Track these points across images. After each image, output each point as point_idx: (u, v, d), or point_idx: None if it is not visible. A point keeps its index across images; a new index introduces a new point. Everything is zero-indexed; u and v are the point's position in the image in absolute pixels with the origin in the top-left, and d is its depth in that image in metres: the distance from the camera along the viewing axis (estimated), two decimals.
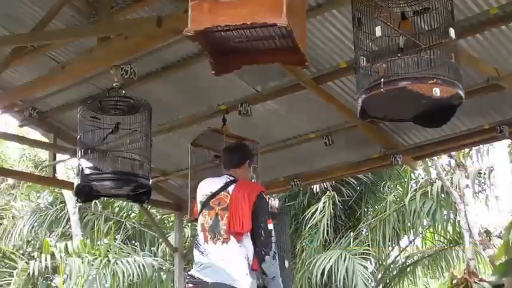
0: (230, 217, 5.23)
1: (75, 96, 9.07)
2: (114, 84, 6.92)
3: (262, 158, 8.08)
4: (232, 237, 5.21)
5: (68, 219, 19.01)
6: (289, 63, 5.14)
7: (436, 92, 4.45)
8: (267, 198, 5.49)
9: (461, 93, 4.61)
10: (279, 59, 5.04)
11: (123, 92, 6.96)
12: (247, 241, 5.24)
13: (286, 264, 7.06)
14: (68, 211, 18.88)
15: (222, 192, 5.38)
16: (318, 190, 16.71)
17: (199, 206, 5.50)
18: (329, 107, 8.55)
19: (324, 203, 16.33)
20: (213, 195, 5.39)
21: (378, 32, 4.66)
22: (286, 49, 4.79)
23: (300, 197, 17.05)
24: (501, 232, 13.37)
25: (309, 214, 16.45)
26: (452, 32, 4.62)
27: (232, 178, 5.48)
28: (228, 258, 5.18)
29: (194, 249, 5.43)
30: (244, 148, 5.94)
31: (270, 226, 5.24)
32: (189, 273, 5.38)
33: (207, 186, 5.51)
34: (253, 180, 6.53)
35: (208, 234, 5.29)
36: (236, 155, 5.69)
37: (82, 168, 6.79)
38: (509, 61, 7.56)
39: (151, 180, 7.06)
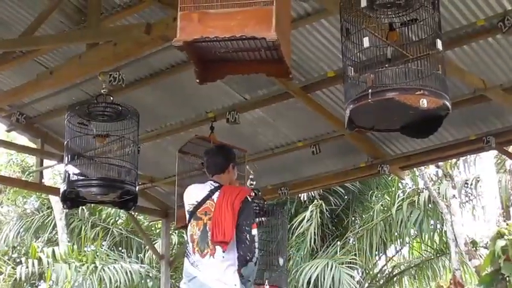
0: (213, 226, 5.15)
1: (63, 101, 9.07)
2: (102, 91, 6.90)
3: (250, 165, 8.09)
4: (218, 248, 5.14)
5: (55, 225, 18.95)
6: (273, 74, 5.14)
7: (423, 103, 4.46)
8: (252, 202, 5.43)
9: (448, 104, 4.63)
10: (264, 70, 5.06)
11: (111, 98, 6.94)
12: (235, 250, 5.20)
13: (281, 262, 7.00)
14: (54, 217, 18.82)
15: (208, 201, 5.29)
16: (305, 199, 16.74)
17: (187, 216, 5.44)
18: (317, 116, 8.58)
19: (311, 211, 16.35)
20: (199, 204, 5.32)
21: (366, 42, 4.67)
22: (271, 61, 4.83)
23: (287, 206, 17.05)
24: (487, 243, 13.39)
25: (296, 223, 16.46)
26: (439, 44, 4.64)
27: (216, 184, 5.40)
28: (223, 279, 5.12)
29: (185, 258, 5.37)
30: (226, 151, 5.77)
31: (254, 231, 5.16)
32: None
33: (193, 195, 5.43)
34: (250, 178, 6.47)
35: (196, 246, 5.24)
36: (219, 160, 5.56)
37: (69, 174, 6.77)
38: (496, 73, 7.61)
39: (138, 187, 7.05)
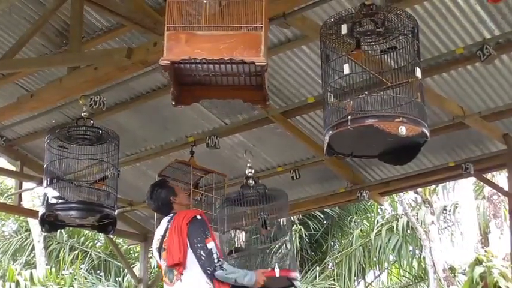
0: (166, 252, 5.32)
1: (43, 124, 9.07)
2: (82, 114, 6.89)
3: (229, 190, 8.08)
4: (183, 271, 5.24)
5: (33, 248, 18.82)
6: (251, 101, 5.16)
7: (402, 130, 4.48)
8: (202, 220, 5.41)
9: (427, 132, 4.65)
10: (242, 96, 5.09)
11: (92, 122, 6.93)
12: (198, 268, 5.26)
13: (288, 245, 6.76)
14: (32, 239, 18.69)
15: (167, 232, 5.42)
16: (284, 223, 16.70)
17: (157, 254, 5.56)
18: (297, 141, 8.61)
19: None
20: (163, 237, 5.46)
21: (346, 69, 4.69)
22: (249, 87, 4.88)
23: None
24: (465, 269, 13.45)
25: None
26: (418, 72, 4.68)
27: (172, 215, 5.51)
28: None
29: None
30: (158, 193, 5.66)
31: (210, 245, 5.24)
32: None
33: (157, 232, 5.59)
34: (248, 166, 6.41)
35: (165, 276, 5.40)
36: (160, 203, 5.60)
37: (48, 197, 6.73)
38: (475, 100, 7.67)
39: (117, 211, 7.03)
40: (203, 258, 5.20)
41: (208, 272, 5.19)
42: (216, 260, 5.21)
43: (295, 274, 5.83)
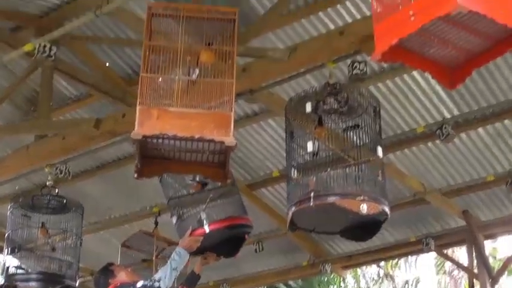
0: None
1: (6, 191, 8.98)
2: (47, 183, 6.89)
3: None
4: None
5: None
6: (212, 177, 5.24)
7: (364, 208, 4.56)
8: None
9: (387, 210, 4.72)
10: (204, 172, 5.16)
11: (56, 190, 6.92)
12: None
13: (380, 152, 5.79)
14: None
15: None
16: None
17: None
18: (261, 214, 8.62)
19: None
20: None
21: (310, 147, 4.78)
22: (211, 164, 4.96)
23: None
24: None
25: None
26: (379, 151, 4.77)
27: None
28: None
29: None
30: (99, 277, 5.57)
31: (139, 284, 5.05)
32: None
33: None
34: None
35: None
36: (102, 286, 5.44)
37: (7, 267, 6.65)
38: (435, 177, 7.81)
39: (78, 281, 6.96)
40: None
41: None
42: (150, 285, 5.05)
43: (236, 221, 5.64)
